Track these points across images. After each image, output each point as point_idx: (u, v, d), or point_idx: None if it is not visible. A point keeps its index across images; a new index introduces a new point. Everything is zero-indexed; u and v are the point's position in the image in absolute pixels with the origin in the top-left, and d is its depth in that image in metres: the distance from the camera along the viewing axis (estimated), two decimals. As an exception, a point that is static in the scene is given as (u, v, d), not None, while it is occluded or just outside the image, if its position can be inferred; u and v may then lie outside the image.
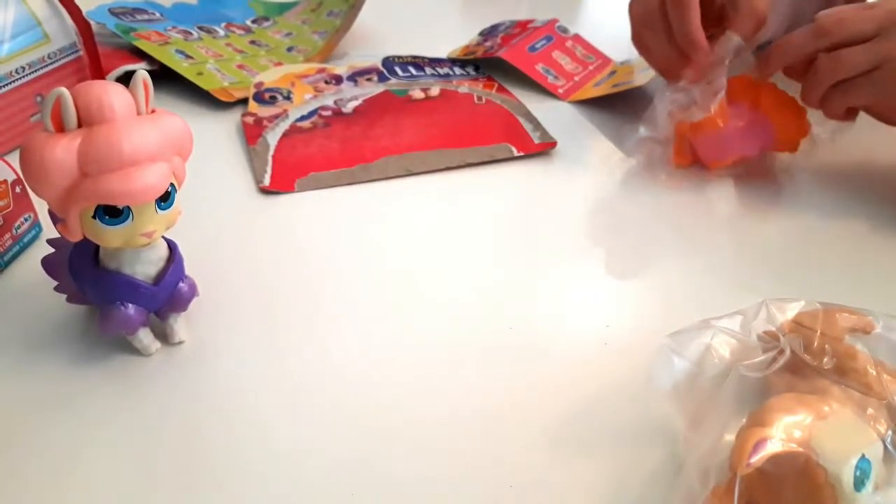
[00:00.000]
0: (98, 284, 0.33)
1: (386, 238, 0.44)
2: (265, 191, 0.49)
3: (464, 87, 0.62)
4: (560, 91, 0.63)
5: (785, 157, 0.52)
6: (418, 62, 0.67)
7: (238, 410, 0.33)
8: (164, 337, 0.36)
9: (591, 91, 0.62)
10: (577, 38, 0.70)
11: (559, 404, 0.33)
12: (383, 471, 0.30)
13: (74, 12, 0.54)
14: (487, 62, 0.66)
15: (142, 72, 0.30)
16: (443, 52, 0.69)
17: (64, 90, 0.28)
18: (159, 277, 0.34)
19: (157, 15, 0.69)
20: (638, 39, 0.53)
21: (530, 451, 0.31)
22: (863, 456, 0.25)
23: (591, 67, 0.67)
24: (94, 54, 0.56)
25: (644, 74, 0.60)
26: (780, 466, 0.25)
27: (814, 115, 0.49)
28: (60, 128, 0.29)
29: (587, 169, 0.53)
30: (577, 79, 0.65)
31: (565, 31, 0.70)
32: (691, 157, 0.51)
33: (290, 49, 0.69)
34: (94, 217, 0.30)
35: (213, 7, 0.74)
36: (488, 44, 0.68)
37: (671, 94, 0.50)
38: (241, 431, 0.32)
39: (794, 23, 0.54)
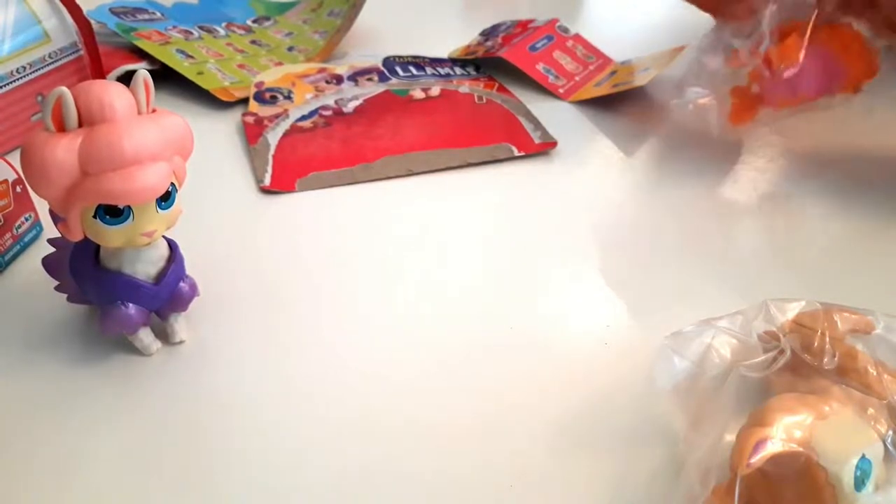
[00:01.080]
0: (98, 284, 0.33)
1: (387, 238, 0.44)
2: (266, 190, 0.49)
3: (464, 87, 0.62)
4: (560, 91, 0.63)
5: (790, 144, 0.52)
6: (419, 62, 0.67)
7: (239, 410, 0.33)
8: (164, 336, 0.36)
9: (592, 91, 0.62)
10: (578, 38, 0.70)
11: (559, 404, 0.33)
12: (383, 470, 0.30)
13: (75, 11, 0.54)
14: (488, 62, 0.66)
15: (143, 71, 0.30)
16: (443, 52, 0.69)
17: (65, 89, 0.28)
18: (160, 277, 0.34)
19: (158, 14, 0.69)
20: None
21: (530, 451, 0.31)
22: (863, 456, 0.25)
23: (591, 67, 0.67)
24: (95, 54, 0.56)
25: (645, 74, 0.60)
26: (780, 466, 0.25)
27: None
28: (61, 127, 0.29)
29: (588, 169, 0.53)
30: (577, 78, 0.65)
31: (566, 30, 0.70)
32: (753, 112, 0.50)
33: (290, 49, 0.69)
34: (94, 217, 0.30)
35: (214, 6, 0.74)
36: (489, 43, 0.68)
37: (718, 42, 0.49)
38: (242, 431, 0.32)
39: None
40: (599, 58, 0.68)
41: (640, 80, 0.59)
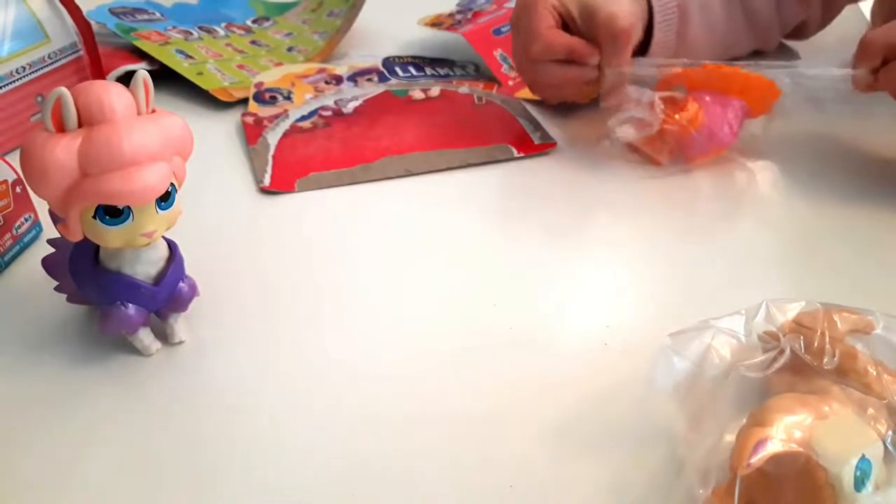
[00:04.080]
0: (98, 284, 0.33)
1: (386, 238, 0.44)
2: (265, 191, 0.49)
3: (464, 88, 0.62)
4: (510, 83, 0.62)
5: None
6: (418, 62, 0.67)
7: (238, 410, 0.33)
8: (164, 337, 0.36)
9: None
10: None
11: (559, 404, 0.33)
12: (383, 470, 0.30)
13: (75, 12, 0.54)
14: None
15: (142, 72, 0.30)
16: (443, 53, 0.69)
17: (64, 90, 0.28)
18: (159, 277, 0.34)
19: (158, 15, 0.69)
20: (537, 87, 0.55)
21: (530, 451, 0.31)
22: (863, 456, 0.25)
23: None
24: (95, 54, 0.56)
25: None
26: (780, 467, 0.25)
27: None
28: (61, 128, 0.29)
29: (587, 169, 0.53)
30: None
31: None
32: (668, 155, 0.51)
33: (290, 49, 0.69)
34: (94, 217, 0.30)
35: (214, 7, 0.74)
36: (458, 17, 0.67)
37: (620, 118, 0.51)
38: (241, 431, 0.32)
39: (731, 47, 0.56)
40: None
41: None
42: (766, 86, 0.49)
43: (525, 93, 0.62)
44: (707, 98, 0.49)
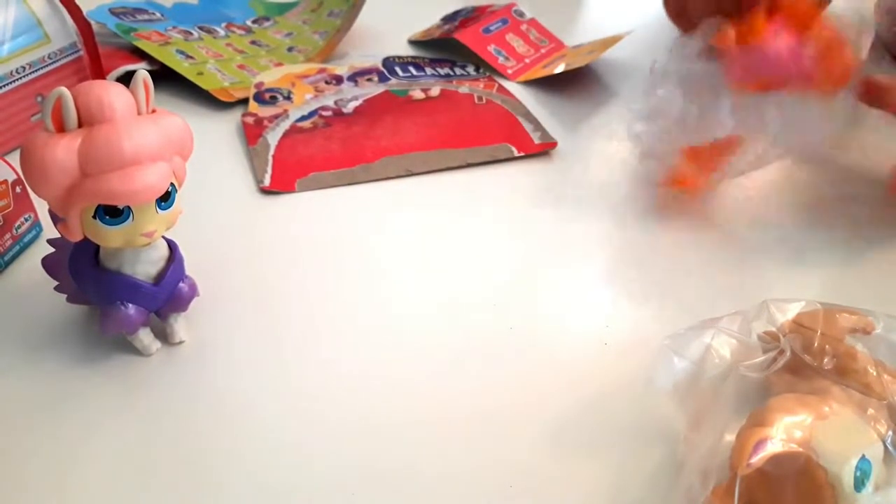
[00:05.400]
0: (98, 284, 0.33)
1: (386, 238, 0.44)
2: (265, 191, 0.49)
3: (464, 87, 0.62)
4: (509, 72, 0.65)
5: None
6: (418, 62, 0.67)
7: (238, 410, 0.33)
8: (164, 337, 0.36)
9: (540, 72, 0.64)
10: (533, 22, 0.72)
11: (559, 404, 0.33)
12: (383, 471, 0.30)
13: (75, 12, 0.54)
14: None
15: (142, 72, 0.30)
16: (443, 53, 0.69)
17: (64, 90, 0.28)
18: (160, 277, 0.34)
19: (158, 15, 0.69)
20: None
21: (530, 451, 0.31)
22: (863, 456, 0.25)
23: (542, 51, 0.69)
24: (95, 54, 0.56)
25: (589, 56, 0.62)
26: (780, 467, 0.25)
27: None
28: (61, 128, 0.29)
29: (587, 169, 0.53)
30: (527, 61, 0.67)
31: (522, 14, 0.72)
32: (688, 182, 0.47)
33: (290, 49, 0.69)
34: (94, 217, 0.30)
35: (214, 7, 0.74)
36: (447, 27, 0.70)
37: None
38: (240, 431, 0.32)
39: None
40: (552, 42, 0.70)
41: (583, 60, 0.62)
42: (846, 65, 0.43)
43: (527, 76, 0.63)
44: (786, 38, 0.42)
